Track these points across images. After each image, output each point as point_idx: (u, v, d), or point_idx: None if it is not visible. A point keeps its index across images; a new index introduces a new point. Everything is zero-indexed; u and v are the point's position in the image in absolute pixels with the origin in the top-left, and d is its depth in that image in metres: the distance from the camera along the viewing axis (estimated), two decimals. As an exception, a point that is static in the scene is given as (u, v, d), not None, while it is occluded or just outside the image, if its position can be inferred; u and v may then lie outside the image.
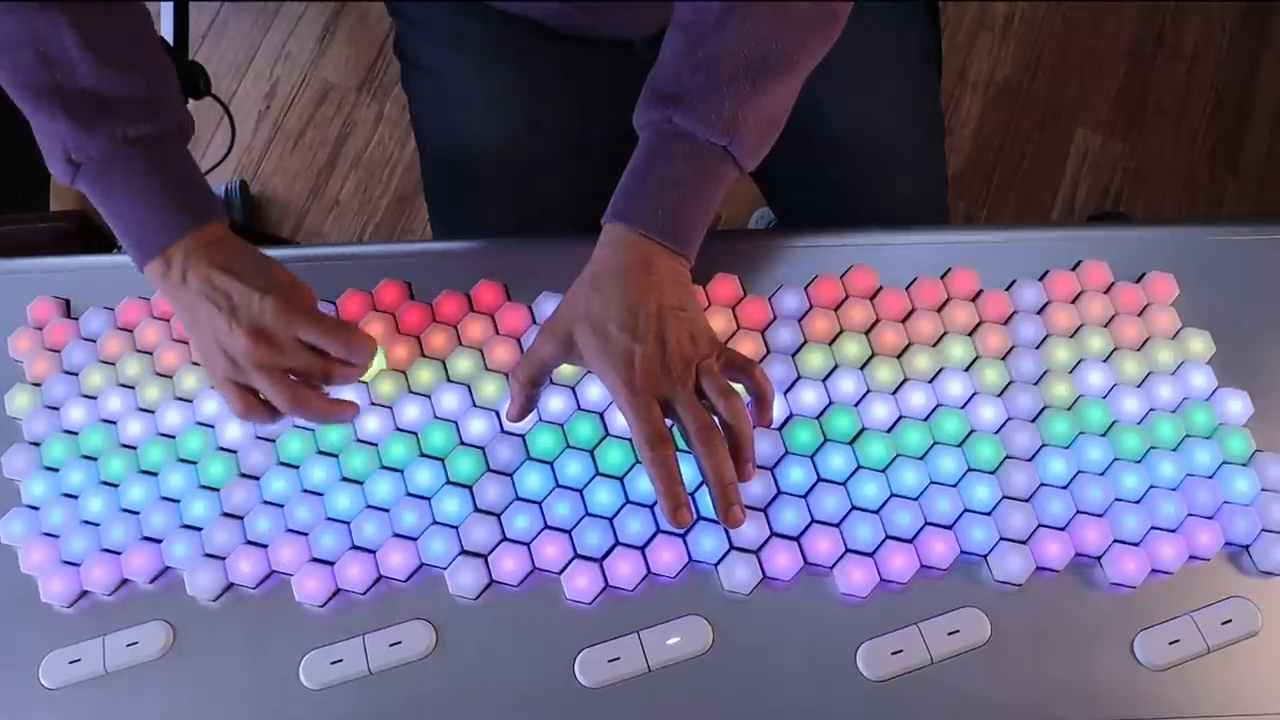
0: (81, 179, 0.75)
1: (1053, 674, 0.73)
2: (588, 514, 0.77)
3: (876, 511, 0.76)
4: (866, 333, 0.82)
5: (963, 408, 0.80)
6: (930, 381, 0.80)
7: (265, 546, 0.77)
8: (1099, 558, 0.75)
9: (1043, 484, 0.77)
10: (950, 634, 0.73)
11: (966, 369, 0.81)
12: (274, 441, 0.80)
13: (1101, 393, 0.80)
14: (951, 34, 1.93)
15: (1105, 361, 0.81)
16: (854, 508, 0.76)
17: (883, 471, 0.77)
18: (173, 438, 0.81)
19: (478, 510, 0.77)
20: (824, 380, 0.80)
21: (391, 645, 0.74)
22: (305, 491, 0.78)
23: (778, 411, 0.78)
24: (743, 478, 0.72)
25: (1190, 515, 0.76)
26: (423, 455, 0.79)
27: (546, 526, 0.76)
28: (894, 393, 0.80)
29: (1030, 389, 0.80)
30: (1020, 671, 0.73)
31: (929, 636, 0.73)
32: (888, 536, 0.75)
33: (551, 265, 0.84)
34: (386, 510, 0.77)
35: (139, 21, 0.79)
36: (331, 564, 0.76)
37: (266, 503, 0.78)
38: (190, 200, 0.76)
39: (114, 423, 0.82)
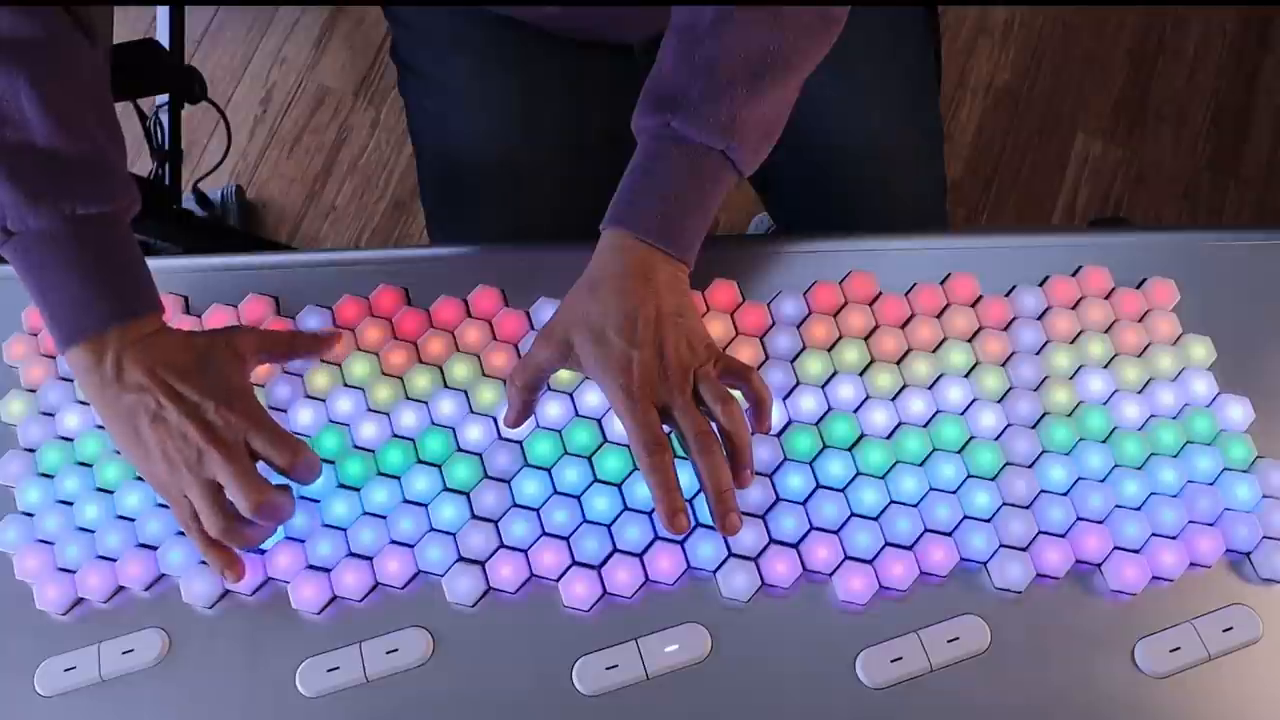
0: (10, 248, 0.70)
1: (1053, 681, 0.72)
2: (585, 521, 0.76)
3: (876, 518, 0.76)
4: (865, 338, 0.82)
5: (962, 414, 0.79)
6: (930, 387, 0.80)
7: (262, 553, 0.76)
8: (1099, 565, 0.75)
9: (1043, 490, 0.77)
10: (950, 641, 0.73)
11: (966, 375, 0.81)
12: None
13: (1102, 399, 0.80)
14: (951, 39, 1.93)
15: (1106, 367, 0.81)
16: (853, 514, 0.76)
17: (882, 478, 0.77)
18: (168, 444, 0.80)
19: (475, 517, 0.77)
20: (823, 386, 0.80)
21: (388, 653, 0.74)
22: (302, 498, 0.78)
23: (776, 418, 0.78)
24: (740, 484, 0.72)
25: (1191, 522, 0.76)
26: (420, 462, 0.79)
27: (544, 533, 0.76)
28: (893, 399, 0.80)
29: (1030, 395, 0.80)
30: (1020, 679, 0.73)
31: (929, 644, 0.73)
32: (887, 543, 0.75)
33: (549, 271, 0.84)
34: (383, 517, 0.77)
35: (98, 87, 0.75)
36: (328, 571, 0.76)
37: (262, 509, 0.78)
38: (132, 287, 0.72)
39: (109, 429, 0.81)
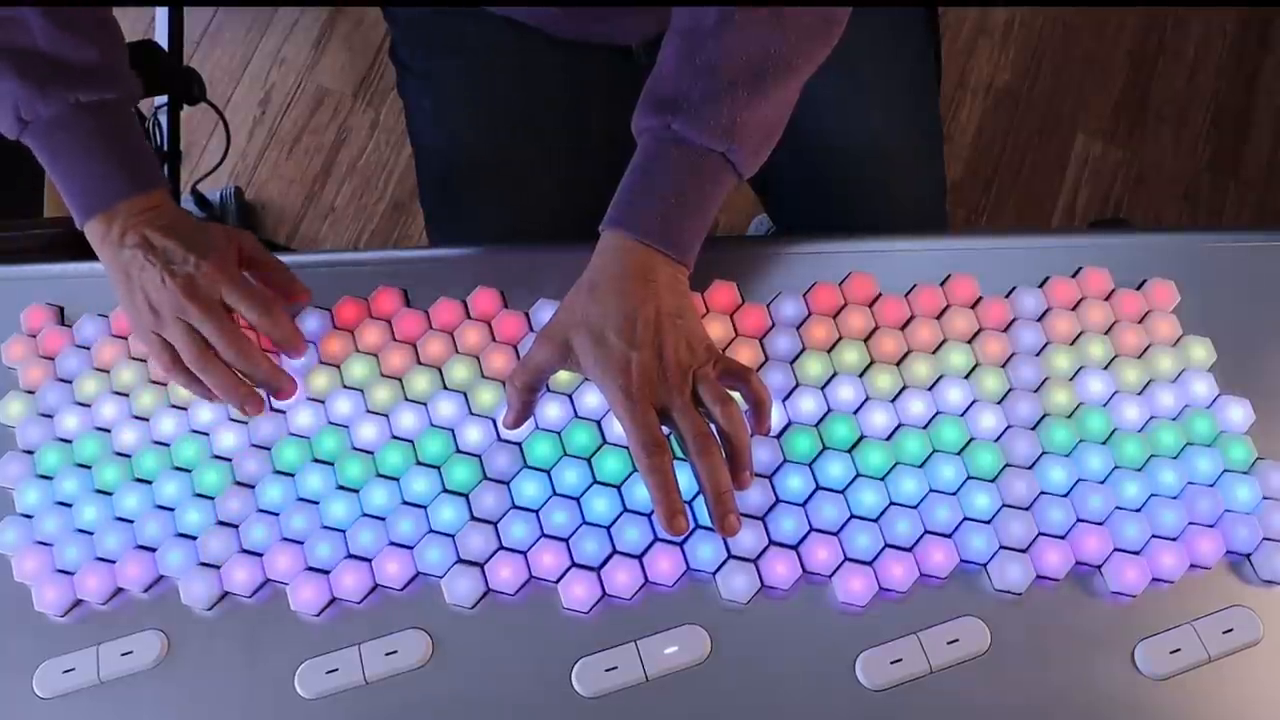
0: (29, 136, 0.78)
1: (1053, 683, 0.72)
2: (585, 522, 0.76)
3: (875, 520, 0.76)
4: (865, 340, 0.82)
5: (962, 415, 0.79)
6: (929, 389, 0.80)
7: (260, 555, 0.76)
8: (1099, 566, 0.74)
9: (1043, 492, 0.77)
10: (950, 643, 0.73)
11: (966, 376, 0.80)
12: (269, 449, 0.80)
13: (1102, 400, 0.80)
14: (951, 40, 1.93)
15: (1106, 369, 0.81)
16: (853, 516, 0.76)
17: (882, 480, 0.77)
18: (167, 445, 0.80)
19: (474, 519, 0.77)
20: (822, 388, 0.80)
21: (387, 654, 0.74)
22: (301, 500, 0.78)
23: (776, 419, 0.78)
24: (740, 486, 0.72)
25: (1191, 523, 0.76)
26: (419, 463, 0.79)
27: (543, 535, 0.76)
28: (893, 400, 0.80)
29: (1030, 396, 0.79)
30: (1020, 680, 0.72)
31: (928, 646, 0.73)
32: (887, 545, 0.75)
33: (549, 272, 0.84)
34: (382, 519, 0.77)
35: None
36: (327, 573, 0.75)
37: (262, 511, 0.78)
38: (136, 167, 0.79)
39: (108, 431, 0.81)
